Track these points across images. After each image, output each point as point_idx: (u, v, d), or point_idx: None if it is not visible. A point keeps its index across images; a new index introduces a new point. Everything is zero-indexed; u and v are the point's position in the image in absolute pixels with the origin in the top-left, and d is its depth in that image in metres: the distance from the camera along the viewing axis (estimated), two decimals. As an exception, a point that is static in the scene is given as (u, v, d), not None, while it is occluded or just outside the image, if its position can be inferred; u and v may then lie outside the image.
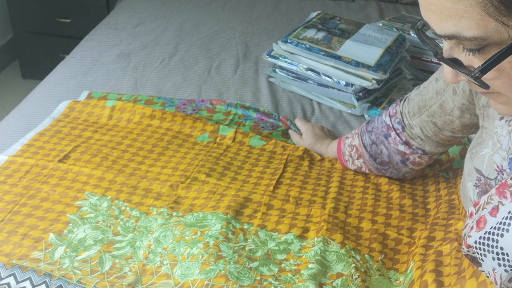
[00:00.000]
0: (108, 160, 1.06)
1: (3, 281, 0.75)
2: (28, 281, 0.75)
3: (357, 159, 1.05)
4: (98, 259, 0.82)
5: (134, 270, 0.80)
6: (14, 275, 0.76)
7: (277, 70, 1.44)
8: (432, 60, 1.52)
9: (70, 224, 0.88)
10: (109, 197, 0.95)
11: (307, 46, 1.37)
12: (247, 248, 0.84)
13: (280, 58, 1.41)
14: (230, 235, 0.85)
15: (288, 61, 1.40)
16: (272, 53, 1.44)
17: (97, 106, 1.24)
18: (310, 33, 1.44)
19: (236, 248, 0.83)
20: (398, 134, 0.98)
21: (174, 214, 0.91)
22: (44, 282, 0.75)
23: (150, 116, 1.21)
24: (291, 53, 1.38)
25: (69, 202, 0.93)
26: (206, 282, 0.75)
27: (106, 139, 1.13)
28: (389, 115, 1.00)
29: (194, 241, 0.83)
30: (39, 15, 2.39)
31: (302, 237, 0.89)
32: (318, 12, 1.61)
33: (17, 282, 0.75)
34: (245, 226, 0.90)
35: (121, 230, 0.88)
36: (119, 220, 0.90)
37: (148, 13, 1.94)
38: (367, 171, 1.06)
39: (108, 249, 0.84)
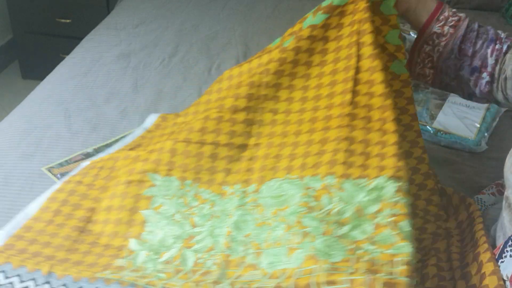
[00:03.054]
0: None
1: None
2: None
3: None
4: (181, 257, 0.77)
5: (218, 262, 0.75)
6: None
7: (277, 70, 1.44)
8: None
9: (147, 224, 0.84)
10: (174, 177, 0.89)
11: (307, 46, 1.37)
12: (333, 211, 0.74)
13: (280, 58, 1.41)
14: (312, 203, 0.76)
15: (288, 61, 1.40)
16: (272, 53, 1.43)
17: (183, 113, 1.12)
18: (310, 33, 1.44)
19: (321, 216, 0.74)
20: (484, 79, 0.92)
21: (250, 190, 0.83)
22: None
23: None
24: (291, 53, 1.38)
25: (136, 193, 0.87)
26: (296, 270, 0.68)
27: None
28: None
29: (276, 224, 0.76)
30: (39, 15, 2.39)
31: (396, 177, 0.75)
32: (318, 12, 1.61)
33: None
34: (327, 181, 0.78)
35: (199, 220, 0.82)
36: (194, 209, 0.84)
37: (148, 13, 1.94)
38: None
39: (189, 244, 0.79)
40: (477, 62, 0.93)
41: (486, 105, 1.33)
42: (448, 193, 0.97)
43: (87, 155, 1.11)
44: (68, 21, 2.39)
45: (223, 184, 0.86)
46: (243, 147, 0.91)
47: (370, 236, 0.69)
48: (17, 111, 1.30)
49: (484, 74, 0.92)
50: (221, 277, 0.71)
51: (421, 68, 0.99)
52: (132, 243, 0.81)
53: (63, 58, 1.63)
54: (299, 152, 0.84)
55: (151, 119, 1.15)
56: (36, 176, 1.04)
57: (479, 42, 0.93)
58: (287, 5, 2.09)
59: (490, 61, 0.91)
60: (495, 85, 0.91)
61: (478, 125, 1.25)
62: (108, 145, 1.14)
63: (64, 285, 0.74)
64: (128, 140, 1.09)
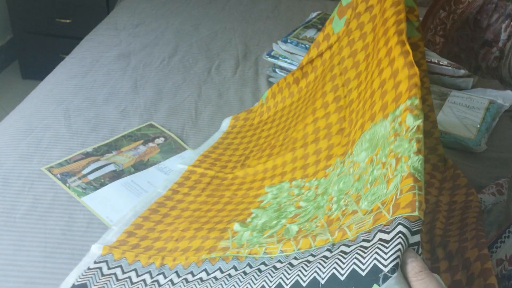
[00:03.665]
0: (276, 147, 1.04)
1: (196, 277, 0.76)
2: (218, 271, 0.75)
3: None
4: (284, 231, 0.79)
5: (321, 225, 0.74)
6: (205, 270, 0.76)
7: (277, 70, 1.44)
8: (432, 61, 1.52)
9: (253, 213, 0.88)
10: (287, 181, 0.93)
11: (307, 46, 1.37)
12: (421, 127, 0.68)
13: (280, 58, 1.41)
14: (397, 128, 0.70)
15: (288, 61, 1.40)
16: (272, 53, 1.44)
17: (258, 108, 1.21)
18: (310, 33, 1.44)
19: (409, 134, 0.66)
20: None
21: (346, 157, 0.84)
22: (233, 267, 0.74)
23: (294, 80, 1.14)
24: (291, 53, 1.38)
25: (251, 200, 0.93)
26: (394, 195, 0.60)
27: (272, 132, 1.11)
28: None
29: (372, 168, 0.71)
30: (39, 15, 2.40)
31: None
32: (318, 12, 1.61)
33: (208, 274, 0.75)
34: (408, 104, 0.70)
35: (303, 203, 0.85)
36: (300, 196, 0.88)
37: (148, 13, 1.94)
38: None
39: (293, 220, 0.81)
40: (489, 36, 0.92)
41: (486, 105, 1.33)
42: (456, 172, 0.96)
43: (87, 155, 1.11)
44: (68, 21, 2.40)
45: (326, 168, 0.89)
46: (341, 131, 0.93)
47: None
48: (17, 111, 1.30)
49: (494, 49, 0.91)
50: (323, 232, 0.67)
51: (432, 35, 0.98)
52: (237, 226, 0.84)
53: (63, 58, 1.63)
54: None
55: (226, 123, 1.23)
56: (35, 176, 1.04)
57: (495, 16, 0.92)
58: (287, 5, 2.09)
59: (503, 36, 0.90)
60: (503, 61, 0.90)
61: (478, 125, 1.25)
62: (108, 145, 1.14)
63: (175, 272, 0.78)
64: (210, 142, 1.16)
